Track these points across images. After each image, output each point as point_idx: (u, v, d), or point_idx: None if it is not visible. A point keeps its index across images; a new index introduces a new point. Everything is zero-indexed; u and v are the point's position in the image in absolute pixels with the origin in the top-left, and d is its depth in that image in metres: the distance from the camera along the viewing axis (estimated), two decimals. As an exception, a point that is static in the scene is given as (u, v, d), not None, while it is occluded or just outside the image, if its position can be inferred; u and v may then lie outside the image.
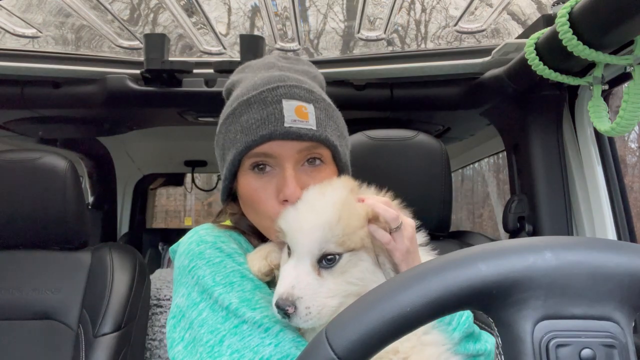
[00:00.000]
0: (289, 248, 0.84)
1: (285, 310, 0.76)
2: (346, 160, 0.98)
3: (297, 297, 0.76)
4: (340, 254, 0.79)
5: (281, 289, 0.78)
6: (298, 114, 0.87)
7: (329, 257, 0.78)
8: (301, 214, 0.82)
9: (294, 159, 0.88)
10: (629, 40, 1.18)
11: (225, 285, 0.85)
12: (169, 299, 1.88)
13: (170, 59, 1.75)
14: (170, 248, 1.01)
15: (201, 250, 0.90)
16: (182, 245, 0.95)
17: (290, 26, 1.85)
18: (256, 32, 1.95)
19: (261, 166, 0.90)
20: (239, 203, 1.00)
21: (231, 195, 1.02)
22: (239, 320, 0.81)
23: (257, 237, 0.98)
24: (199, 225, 1.00)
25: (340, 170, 0.97)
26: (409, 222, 0.86)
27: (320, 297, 0.77)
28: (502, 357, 0.46)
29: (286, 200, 0.87)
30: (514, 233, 1.68)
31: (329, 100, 0.97)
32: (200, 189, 4.47)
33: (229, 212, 1.03)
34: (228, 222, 1.04)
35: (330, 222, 0.78)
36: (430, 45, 2.03)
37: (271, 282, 0.90)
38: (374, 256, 0.81)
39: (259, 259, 0.90)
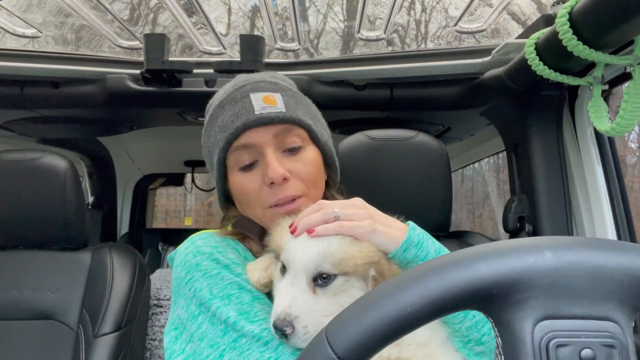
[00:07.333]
0: (283, 265, 0.82)
1: (283, 330, 0.74)
2: (325, 141, 1.01)
3: (294, 316, 0.75)
4: (335, 275, 0.77)
5: (279, 308, 0.77)
6: (266, 102, 0.93)
7: (324, 276, 0.77)
8: None
9: (272, 144, 0.93)
10: (629, 40, 1.18)
11: (223, 298, 0.84)
12: (169, 299, 1.88)
13: (170, 59, 1.75)
14: (169, 256, 1.01)
15: (198, 262, 0.89)
16: (179, 256, 0.94)
17: (290, 26, 1.85)
18: (256, 32, 1.95)
19: (248, 165, 0.94)
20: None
21: (228, 200, 1.04)
22: (238, 334, 0.80)
23: (259, 240, 0.97)
24: (198, 224, 1.00)
25: (323, 152, 1.00)
26: (349, 201, 0.84)
27: (316, 315, 0.75)
28: (502, 357, 0.46)
29: (272, 183, 0.90)
30: (514, 233, 1.67)
31: (296, 90, 1.03)
32: (200, 189, 4.46)
33: (231, 216, 1.04)
34: (229, 227, 1.04)
35: (329, 240, 0.77)
36: (430, 45, 2.03)
37: (270, 293, 0.89)
38: (365, 284, 0.79)
39: (259, 269, 0.88)
